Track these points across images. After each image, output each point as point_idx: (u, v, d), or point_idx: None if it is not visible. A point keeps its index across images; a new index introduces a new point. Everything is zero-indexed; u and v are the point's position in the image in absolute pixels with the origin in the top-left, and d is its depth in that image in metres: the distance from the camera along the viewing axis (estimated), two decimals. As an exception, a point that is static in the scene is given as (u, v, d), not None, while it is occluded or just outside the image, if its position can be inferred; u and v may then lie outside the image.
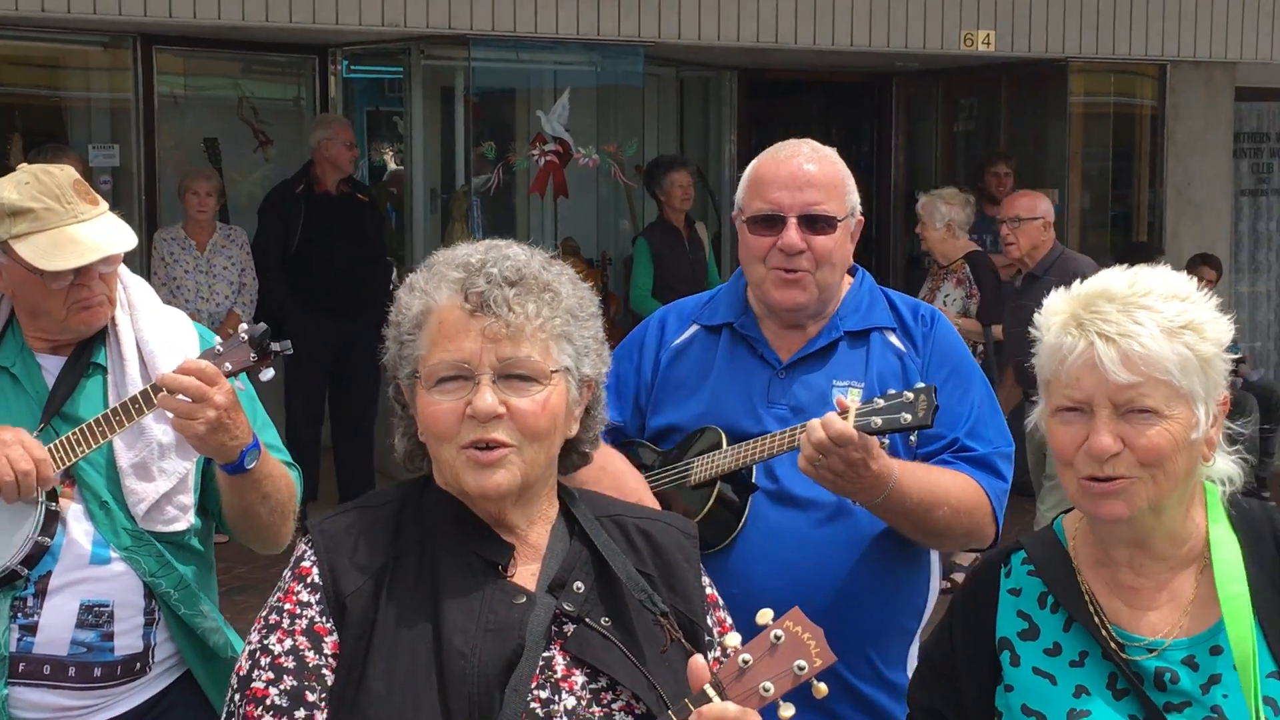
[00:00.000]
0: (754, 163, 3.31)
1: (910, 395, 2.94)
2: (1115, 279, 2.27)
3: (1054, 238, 8.06)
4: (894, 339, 3.27)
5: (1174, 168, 11.39)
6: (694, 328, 3.38)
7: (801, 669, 2.09)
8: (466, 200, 9.76)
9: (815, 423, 2.91)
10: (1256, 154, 12.14)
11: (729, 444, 3.20)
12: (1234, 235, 11.98)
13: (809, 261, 3.18)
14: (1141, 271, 2.28)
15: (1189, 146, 11.36)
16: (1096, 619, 2.26)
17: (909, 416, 2.92)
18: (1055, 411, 2.24)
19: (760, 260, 3.22)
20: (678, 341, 3.37)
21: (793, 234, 3.17)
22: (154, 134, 9.61)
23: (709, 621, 2.32)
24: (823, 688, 2.12)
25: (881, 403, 2.95)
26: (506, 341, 2.18)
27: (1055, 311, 2.26)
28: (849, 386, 3.18)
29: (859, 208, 3.31)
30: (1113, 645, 2.24)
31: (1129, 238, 11.39)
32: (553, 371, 2.22)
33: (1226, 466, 2.30)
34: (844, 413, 2.92)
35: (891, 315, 3.30)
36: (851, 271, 3.35)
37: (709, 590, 2.37)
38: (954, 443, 3.15)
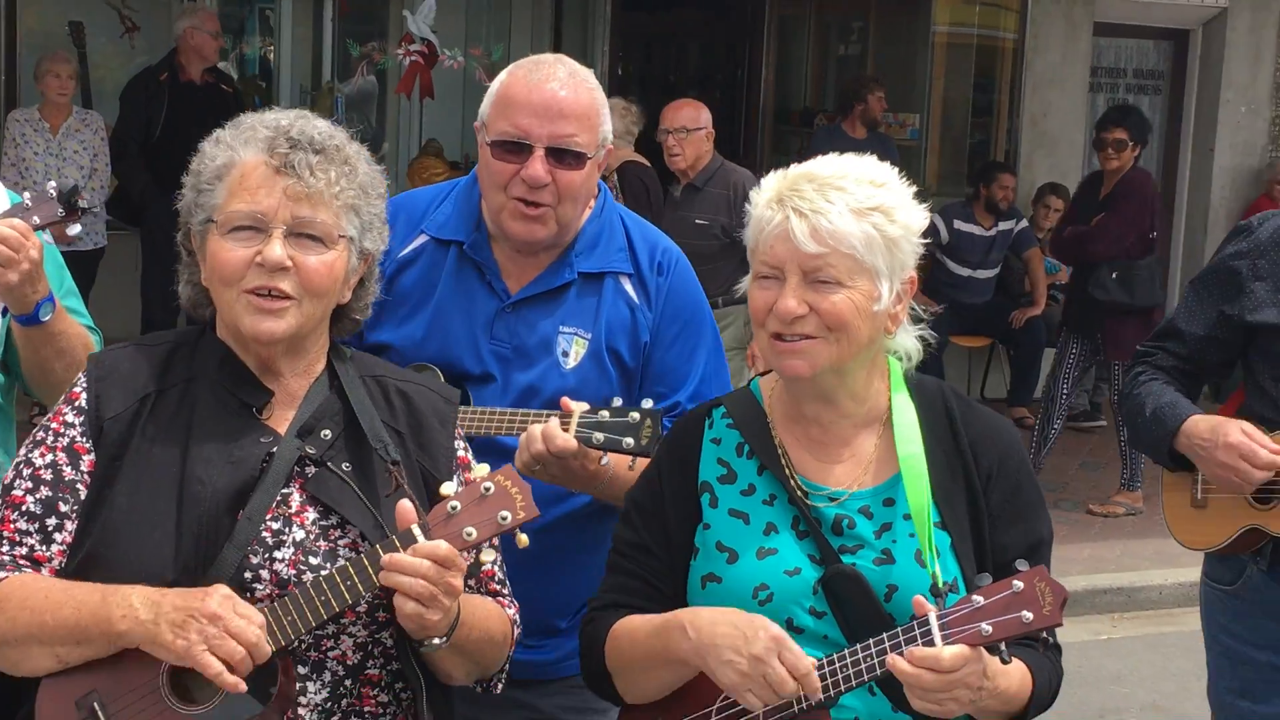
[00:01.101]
0: (504, 77, 3.06)
1: (636, 417, 2.81)
2: (822, 164, 2.50)
3: (713, 149, 7.92)
4: (628, 286, 3.11)
5: (1031, 99, 11.70)
6: (422, 238, 3.16)
7: (505, 519, 2.32)
8: (331, 98, 9.84)
9: (535, 432, 2.81)
10: (1113, 89, 12.47)
11: (447, 383, 2.94)
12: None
13: (552, 195, 2.98)
14: (848, 158, 2.51)
15: (1047, 79, 11.67)
16: (786, 470, 2.51)
17: (631, 441, 2.80)
18: (754, 278, 2.47)
19: (501, 188, 3.00)
20: (404, 253, 3.14)
21: (538, 166, 2.95)
22: (15, 15, 9.57)
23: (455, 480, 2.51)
24: (524, 539, 2.35)
25: (607, 416, 2.83)
26: (305, 202, 2.38)
27: (765, 189, 2.49)
28: (575, 335, 3.05)
29: (610, 137, 3.10)
30: (799, 493, 2.49)
31: (1002, 162, 11.69)
32: (340, 237, 2.42)
33: (908, 342, 2.54)
34: (567, 417, 2.83)
35: (629, 258, 3.13)
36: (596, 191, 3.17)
37: (460, 453, 2.58)
38: (675, 406, 3.06)
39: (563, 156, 2.98)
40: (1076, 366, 9.23)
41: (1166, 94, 12.58)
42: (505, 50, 10.64)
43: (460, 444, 2.59)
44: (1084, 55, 11.84)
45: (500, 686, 2.60)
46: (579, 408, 2.87)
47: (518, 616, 2.60)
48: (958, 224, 10.76)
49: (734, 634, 2.33)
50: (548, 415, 2.90)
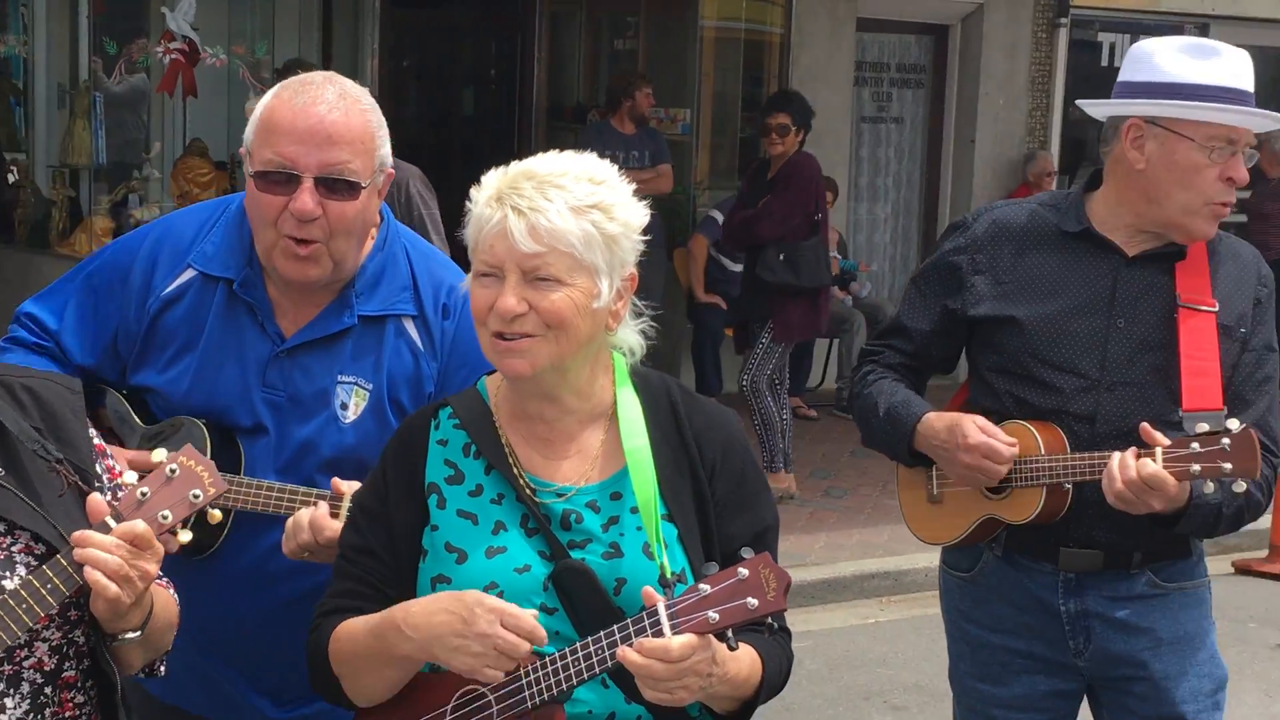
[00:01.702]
0: (269, 99, 2.82)
1: None
2: (542, 161, 2.50)
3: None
4: (412, 330, 2.92)
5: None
6: (189, 273, 2.93)
7: (197, 497, 2.30)
8: (88, 96, 9.58)
9: (302, 520, 2.69)
10: (877, 83, 12.74)
11: (213, 448, 2.81)
12: (854, 161, 12.58)
13: (323, 230, 2.77)
14: (567, 156, 2.51)
15: (813, 74, 11.87)
16: (514, 469, 2.51)
17: None
18: (475, 276, 2.47)
19: (270, 224, 2.78)
20: (169, 289, 2.92)
21: (306, 198, 2.74)
22: None
23: (98, 469, 2.47)
24: (217, 514, 2.33)
25: None
26: None
27: (486, 187, 2.48)
28: (355, 385, 2.88)
29: (389, 161, 2.88)
30: (526, 490, 2.50)
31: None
32: None
33: (631, 337, 2.56)
34: (338, 501, 2.69)
35: (412, 299, 2.93)
36: (379, 220, 2.96)
37: (96, 440, 2.51)
38: None
39: (334, 186, 2.76)
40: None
41: (929, 87, 12.90)
42: (270, 47, 10.46)
43: (93, 431, 2.51)
44: (848, 50, 12.08)
45: (163, 670, 2.53)
46: (349, 489, 2.71)
47: (176, 595, 2.55)
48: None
49: (452, 619, 2.33)
50: (316, 497, 2.76)
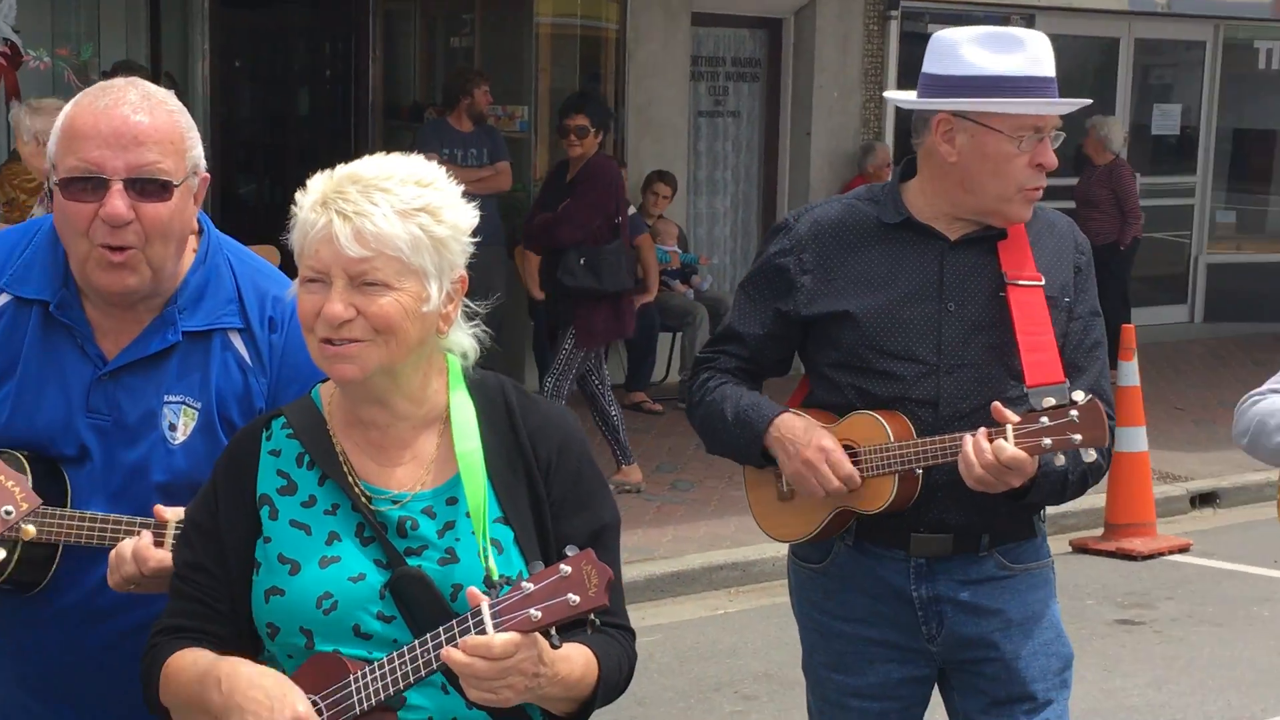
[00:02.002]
0: (69, 109, 2.71)
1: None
2: (367, 164, 2.47)
3: None
4: (239, 343, 2.82)
5: (635, 89, 11.93)
6: (3, 298, 2.79)
7: (9, 513, 2.26)
8: (-94, 102, 9.30)
9: (125, 551, 2.61)
10: (713, 77, 12.82)
11: (36, 479, 2.67)
12: (693, 154, 12.65)
13: (137, 235, 2.66)
14: (393, 159, 2.48)
15: (649, 69, 11.92)
16: (349, 477, 2.48)
17: None
18: (301, 282, 2.43)
19: (81, 234, 2.66)
20: None
21: (117, 201, 2.62)
22: None
23: None
24: (30, 530, 2.26)
25: None
26: None
27: (311, 191, 2.44)
28: (183, 405, 2.77)
29: (203, 163, 2.79)
30: (362, 499, 2.47)
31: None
32: None
33: (464, 340, 2.53)
34: (161, 528, 2.60)
35: (238, 311, 2.82)
36: (199, 230, 2.86)
37: None
38: None
39: (145, 188, 2.65)
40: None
41: (764, 81, 13.01)
42: (96, 49, 10.24)
43: None
44: (684, 45, 12.14)
45: None
46: (173, 515, 2.63)
47: None
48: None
49: (263, 703, 2.32)
50: (140, 526, 2.66)
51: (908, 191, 3.44)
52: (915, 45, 13.31)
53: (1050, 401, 3.15)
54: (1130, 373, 8.88)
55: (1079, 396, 3.13)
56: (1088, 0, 14.28)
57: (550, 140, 12.21)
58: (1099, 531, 8.82)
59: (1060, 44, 16.36)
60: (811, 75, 12.69)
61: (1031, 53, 3.28)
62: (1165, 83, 15.88)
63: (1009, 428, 3.14)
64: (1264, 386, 3.65)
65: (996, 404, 3.19)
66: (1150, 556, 8.51)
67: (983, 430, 3.17)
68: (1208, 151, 15.59)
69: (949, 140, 3.32)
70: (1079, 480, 3.34)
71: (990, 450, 3.13)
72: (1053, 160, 3.30)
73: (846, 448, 3.35)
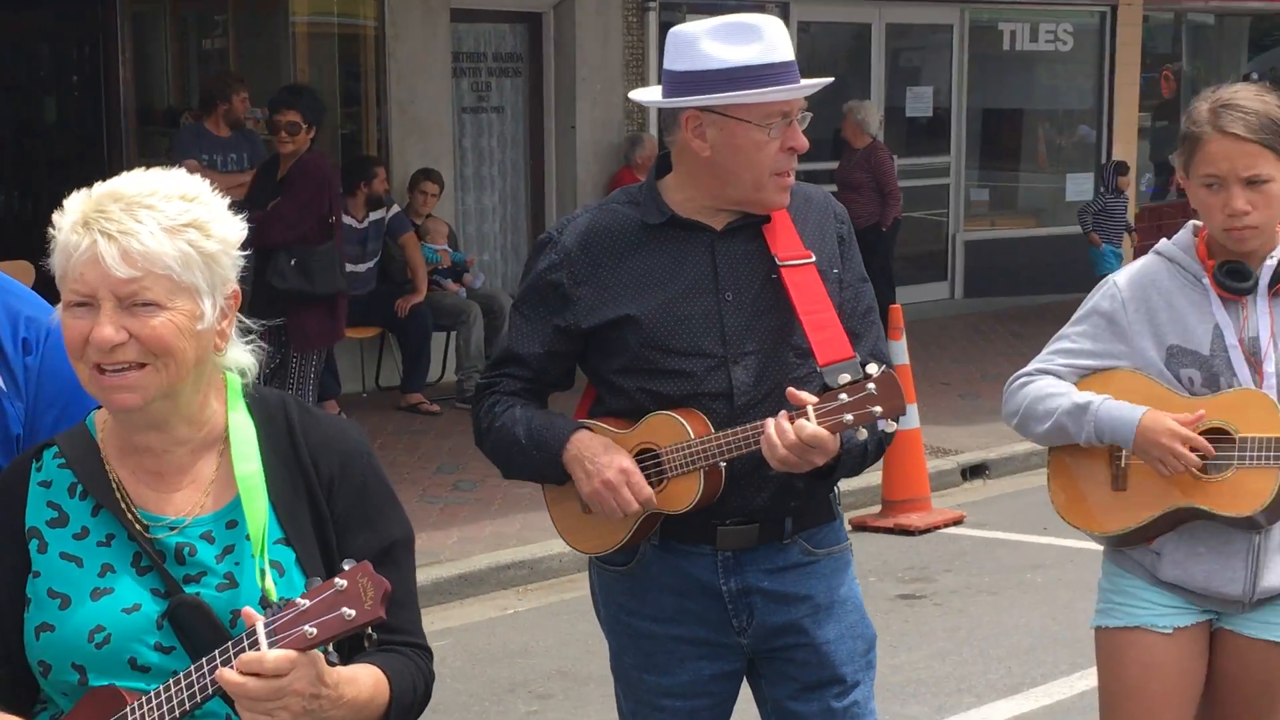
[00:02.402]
0: None
1: None
2: (128, 181, 2.36)
3: None
4: None
5: (397, 86, 11.80)
6: None
7: None
8: None
9: None
10: (476, 73, 12.75)
11: None
12: (459, 151, 12.56)
13: None
14: (154, 174, 2.38)
15: (410, 66, 11.79)
16: (122, 504, 2.38)
17: None
18: (66, 307, 2.32)
19: None
20: None
21: None
22: None
23: None
24: None
25: None
26: None
27: (69, 212, 2.34)
28: None
29: None
30: (137, 527, 2.37)
31: (359, 153, 11.70)
32: None
33: (242, 357, 2.45)
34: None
35: None
36: None
37: None
38: None
39: None
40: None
41: (527, 75, 12.97)
42: None
43: None
44: (444, 41, 12.04)
45: None
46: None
47: None
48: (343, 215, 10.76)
49: None
50: None
51: (666, 189, 3.42)
52: (674, 36, 13.42)
53: (846, 377, 3.15)
54: (900, 352, 9.06)
55: (873, 369, 3.15)
56: (840, -13, 14.55)
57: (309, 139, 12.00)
58: (877, 509, 9.00)
59: (814, 30, 16.69)
60: (573, 69, 12.69)
61: (769, 40, 3.28)
62: (916, 66, 16.27)
63: (809, 409, 3.14)
64: (1031, 366, 3.73)
65: (791, 389, 3.19)
66: (927, 531, 8.72)
67: (783, 413, 3.17)
68: (960, 132, 16.04)
69: (700, 135, 3.33)
70: (876, 449, 3.38)
71: (792, 430, 3.13)
72: (803, 143, 3.31)
73: (648, 451, 3.33)
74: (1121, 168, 14.95)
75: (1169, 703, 3.66)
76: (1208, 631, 3.68)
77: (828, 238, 3.44)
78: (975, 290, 15.89)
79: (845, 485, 9.97)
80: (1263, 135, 3.48)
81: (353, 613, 2.19)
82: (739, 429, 3.26)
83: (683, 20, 13.94)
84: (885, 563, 8.19)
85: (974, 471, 9.98)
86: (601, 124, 12.74)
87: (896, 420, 3.21)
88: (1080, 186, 16.76)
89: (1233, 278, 3.57)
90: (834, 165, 13.78)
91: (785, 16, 14.30)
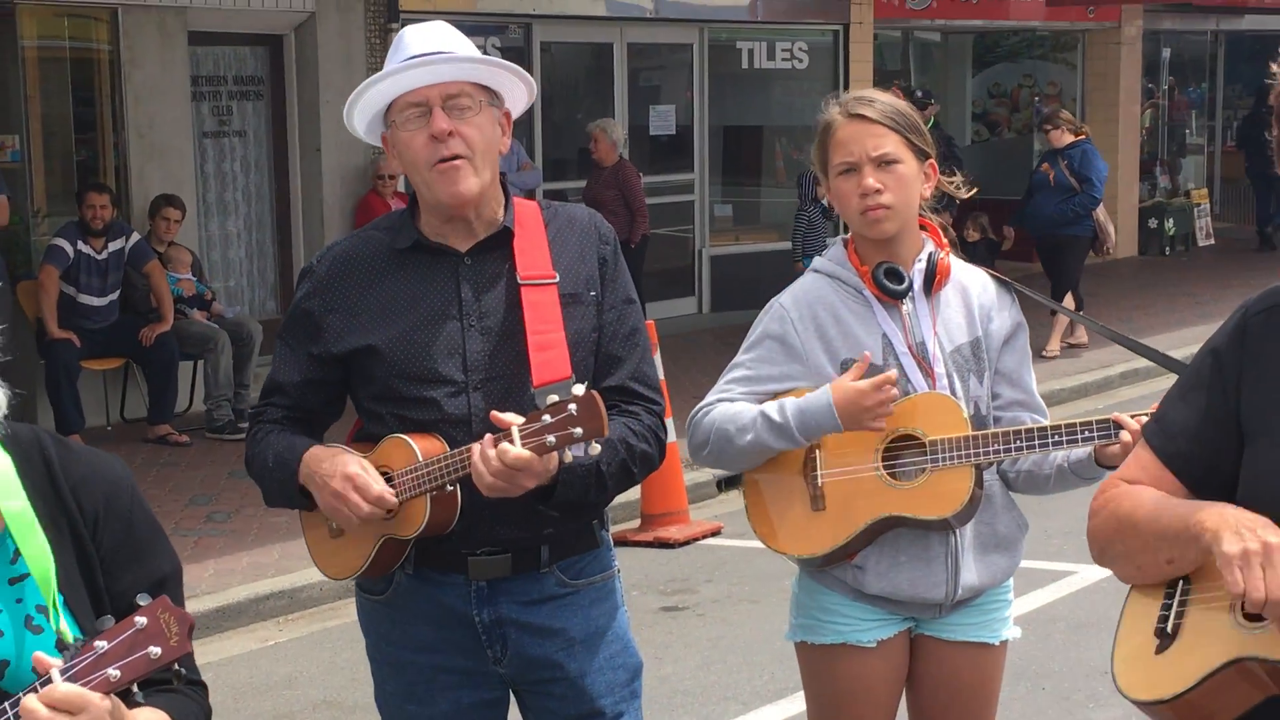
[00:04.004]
0: None
1: None
2: None
3: None
4: None
5: (135, 111, 11.50)
6: None
7: None
8: None
9: None
10: (216, 97, 12.51)
11: None
12: (200, 177, 12.32)
13: None
14: None
15: (148, 90, 11.51)
16: None
17: None
18: None
19: None
20: None
21: None
22: None
23: None
24: None
25: None
26: None
27: None
28: None
29: None
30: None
31: (95, 180, 11.37)
32: None
33: (-3, 395, 2.37)
34: None
35: None
36: None
37: None
38: None
39: None
40: None
41: (269, 98, 12.78)
42: None
43: None
44: (182, 65, 11.80)
45: None
46: None
47: None
48: (80, 245, 10.48)
49: None
50: None
51: (419, 214, 3.42)
52: (418, 57, 13.36)
53: (553, 398, 3.12)
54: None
55: (578, 390, 3.10)
56: (580, 7, 14.66)
57: (47, 168, 11.64)
58: (636, 524, 9.09)
59: (557, 51, 16.85)
60: (317, 91, 12.55)
61: (407, 43, 3.31)
62: (657, 85, 16.50)
63: (514, 430, 3.11)
64: (710, 397, 3.74)
65: (494, 412, 3.16)
66: (686, 543, 8.84)
67: (489, 436, 3.14)
68: (702, 149, 16.29)
69: (394, 155, 3.38)
70: (620, 471, 3.32)
71: (495, 455, 3.10)
72: (440, 126, 3.25)
73: (382, 474, 3.30)
74: (818, 177, 15.25)
75: (875, 712, 3.76)
76: (908, 638, 3.78)
77: (588, 259, 3.42)
78: (722, 304, 16.16)
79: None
80: (890, 119, 3.64)
81: (158, 650, 2.14)
82: (457, 451, 3.22)
83: (426, 41, 13.92)
84: (647, 576, 8.28)
85: (729, 482, 10.14)
86: (347, 147, 12.61)
87: (599, 442, 3.11)
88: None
89: (890, 278, 3.66)
90: (581, 184, 13.89)
91: (527, 38, 14.39)
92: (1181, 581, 2.39)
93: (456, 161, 3.28)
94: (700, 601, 7.87)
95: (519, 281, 3.33)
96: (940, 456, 3.55)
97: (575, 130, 14.81)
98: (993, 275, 3.82)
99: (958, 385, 3.67)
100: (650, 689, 6.56)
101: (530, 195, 13.35)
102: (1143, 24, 21.09)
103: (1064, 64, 21.45)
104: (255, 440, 3.45)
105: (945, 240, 3.77)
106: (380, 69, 3.34)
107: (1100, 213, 13.61)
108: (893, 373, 3.53)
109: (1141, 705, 2.35)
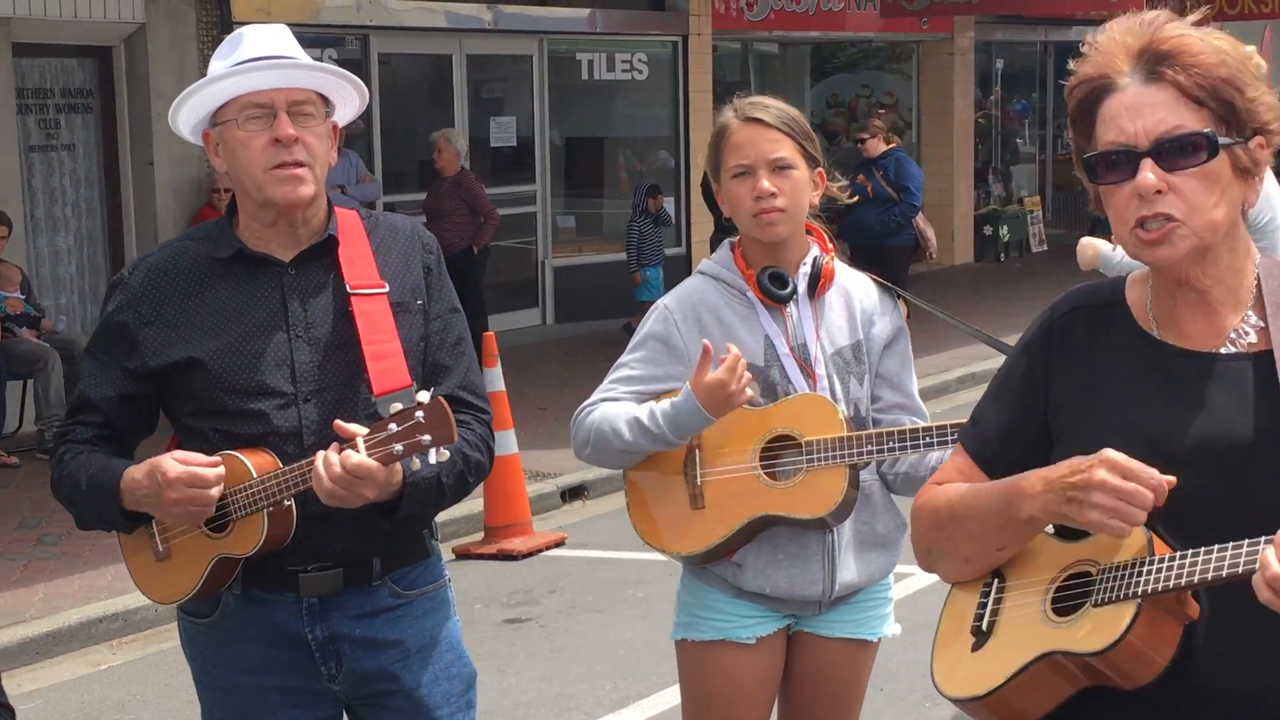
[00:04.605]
0: None
1: None
2: None
3: None
4: None
5: (-44, 126, 11.22)
6: None
7: None
8: None
9: None
10: (43, 110, 12.24)
11: None
12: (28, 192, 12.03)
13: None
14: None
15: (-30, 104, 11.24)
16: None
17: None
18: None
19: None
20: None
21: None
22: None
23: None
24: None
25: None
26: None
27: None
28: None
29: None
30: None
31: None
32: None
33: None
34: None
35: None
36: None
37: None
38: None
39: None
40: None
41: (99, 111, 12.53)
42: None
43: None
44: (6, 77, 11.53)
45: None
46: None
47: None
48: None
49: None
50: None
51: (238, 223, 3.35)
52: (253, 69, 13.18)
53: (397, 406, 3.09)
54: (495, 378, 9.14)
55: (423, 397, 3.07)
56: (418, 19, 14.58)
57: None
58: (479, 536, 9.04)
59: (397, 63, 16.75)
60: (148, 103, 12.32)
61: (248, 44, 3.26)
62: (499, 96, 16.47)
63: (359, 439, 3.08)
64: (595, 396, 3.77)
65: (338, 422, 3.12)
66: (530, 554, 8.80)
67: (334, 446, 3.10)
68: (544, 161, 16.30)
69: (216, 152, 3.30)
70: (457, 482, 3.31)
71: (338, 462, 3.06)
72: (288, 132, 3.19)
73: None
74: (653, 190, 15.20)
75: (750, 709, 3.80)
76: (785, 636, 3.83)
77: (413, 268, 3.39)
78: (566, 315, 16.16)
79: (446, 514, 10.04)
80: (785, 124, 3.70)
81: None
82: (296, 465, 3.17)
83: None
84: (490, 589, 8.23)
85: (573, 493, 10.13)
86: (180, 159, 12.40)
87: (447, 449, 3.11)
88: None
89: (775, 283, 3.72)
90: (422, 196, 13.80)
91: (365, 49, 14.28)
92: (996, 579, 2.43)
93: (298, 170, 3.22)
94: (543, 613, 7.84)
95: (348, 291, 3.28)
96: (816, 457, 3.60)
97: (415, 142, 14.72)
98: (876, 281, 3.90)
99: (838, 387, 3.72)
100: (492, 701, 6.55)
101: (371, 206, 13.28)
102: (975, 35, 21.54)
103: (900, 74, 21.84)
104: (63, 461, 3.34)
105: (830, 245, 3.84)
106: (215, 78, 3.27)
107: (919, 219, 13.64)
108: (736, 351, 3.56)
109: (959, 702, 2.38)
